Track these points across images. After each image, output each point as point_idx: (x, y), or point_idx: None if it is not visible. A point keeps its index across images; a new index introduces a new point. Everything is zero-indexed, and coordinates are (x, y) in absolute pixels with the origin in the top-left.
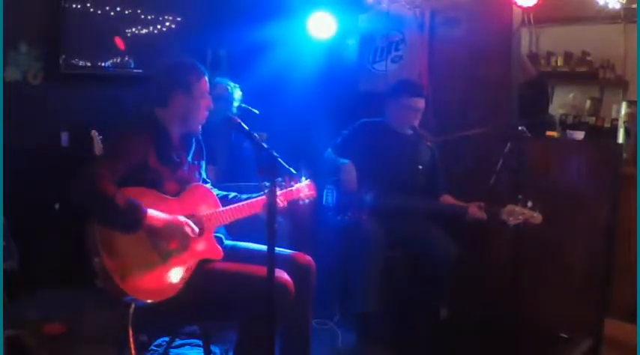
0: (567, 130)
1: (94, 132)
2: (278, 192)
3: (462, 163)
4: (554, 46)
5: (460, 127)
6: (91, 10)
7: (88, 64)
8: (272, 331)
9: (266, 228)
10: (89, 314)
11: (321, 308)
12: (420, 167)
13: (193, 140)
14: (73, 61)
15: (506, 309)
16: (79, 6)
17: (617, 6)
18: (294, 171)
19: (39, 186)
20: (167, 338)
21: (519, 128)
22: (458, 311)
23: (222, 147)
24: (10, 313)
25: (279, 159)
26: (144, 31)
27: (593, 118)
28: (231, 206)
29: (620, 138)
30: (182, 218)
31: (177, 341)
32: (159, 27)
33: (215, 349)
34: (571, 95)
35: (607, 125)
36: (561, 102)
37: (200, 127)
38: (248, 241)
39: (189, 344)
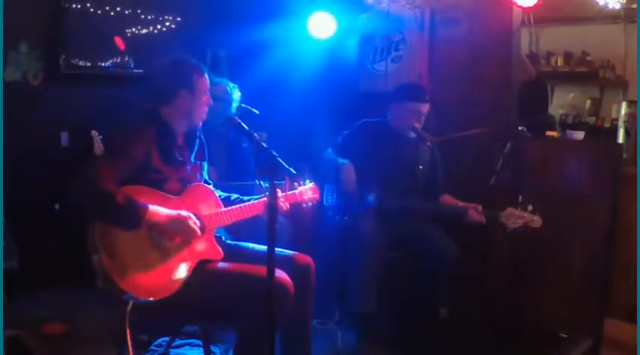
0: (567, 130)
1: (94, 132)
2: (281, 194)
3: (462, 163)
4: (554, 46)
5: (460, 127)
6: (91, 10)
7: (88, 64)
8: (272, 331)
9: (266, 229)
10: (89, 314)
11: (321, 308)
12: (421, 167)
13: (197, 140)
14: (73, 61)
15: (506, 309)
16: (79, 6)
17: (617, 6)
18: (294, 171)
19: (39, 186)
20: (167, 338)
21: (519, 128)
22: (458, 311)
23: (221, 147)
24: (10, 313)
25: (279, 159)
26: (144, 31)
27: (593, 118)
28: (233, 207)
29: (620, 138)
30: (185, 212)
31: (177, 341)
32: (159, 27)
33: (215, 349)
34: (571, 95)
35: (607, 125)
36: (561, 102)
37: (201, 122)
38: (248, 241)
39: (189, 344)
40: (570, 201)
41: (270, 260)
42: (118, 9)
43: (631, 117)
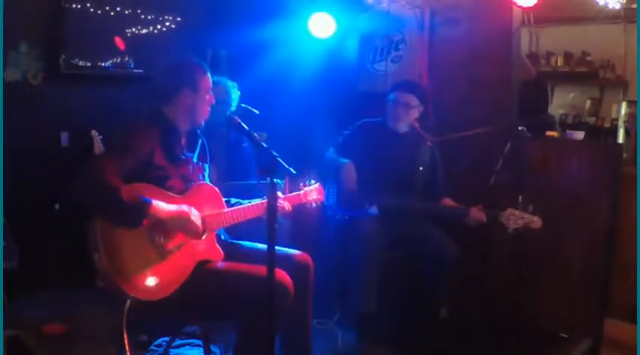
0: (567, 130)
1: (94, 132)
2: (281, 196)
3: (462, 163)
4: (554, 46)
5: (460, 127)
6: (91, 10)
7: (88, 64)
8: (272, 331)
9: (266, 228)
10: (89, 314)
11: (321, 308)
12: (421, 168)
13: (199, 141)
14: (73, 61)
15: (506, 309)
16: (79, 6)
17: (617, 6)
18: (294, 171)
19: (39, 186)
20: (167, 338)
21: (519, 128)
22: (458, 311)
23: (221, 147)
24: (10, 313)
25: (279, 159)
26: (144, 31)
27: (593, 118)
28: (235, 207)
29: (620, 138)
30: (186, 208)
31: (177, 341)
32: (159, 27)
33: (215, 349)
34: (571, 95)
35: (607, 125)
36: (561, 102)
37: (204, 120)
38: (248, 240)
39: (189, 344)
40: (570, 201)
41: (270, 260)
42: (118, 9)
43: (631, 117)
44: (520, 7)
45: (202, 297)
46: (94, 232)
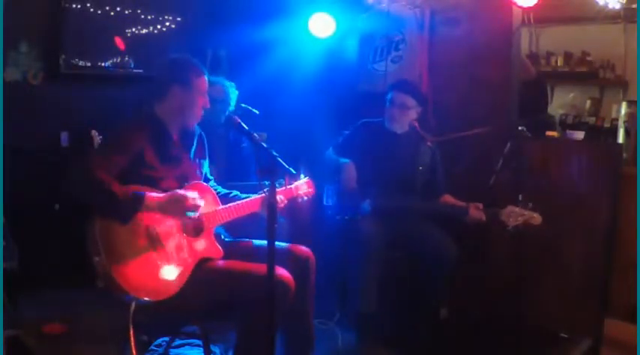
0: (567, 130)
1: (94, 132)
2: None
3: (462, 163)
4: (554, 46)
5: (460, 127)
6: (91, 10)
7: (88, 64)
8: (272, 329)
9: (266, 229)
10: (89, 314)
11: (321, 308)
12: (421, 168)
13: (195, 138)
14: (73, 61)
15: (506, 309)
16: (79, 6)
17: (617, 6)
18: (294, 171)
19: (39, 186)
20: (167, 338)
21: (519, 128)
22: (458, 311)
23: (221, 147)
24: (10, 313)
25: (279, 159)
26: (144, 31)
27: (593, 118)
28: (230, 204)
29: (620, 138)
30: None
31: (177, 341)
32: (159, 27)
33: (215, 349)
34: (571, 95)
35: (607, 125)
36: (561, 102)
37: (195, 124)
38: (247, 238)
39: (189, 344)
40: (570, 201)
41: (271, 259)
42: (118, 9)
43: (631, 117)
44: (520, 7)
45: (203, 296)
46: (94, 234)
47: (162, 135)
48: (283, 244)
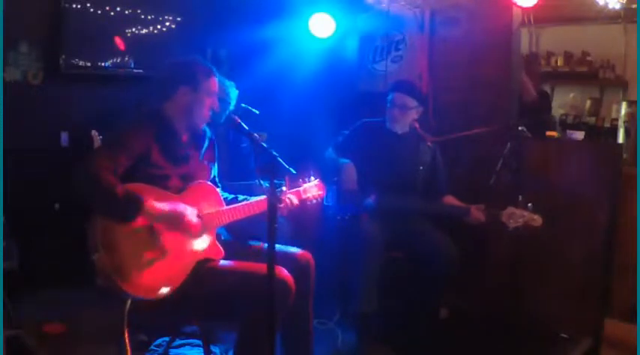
0: (567, 130)
1: (94, 132)
2: (287, 191)
3: (462, 163)
4: (554, 46)
5: (460, 127)
6: (91, 10)
7: (88, 64)
8: (273, 329)
9: (267, 228)
10: (89, 314)
11: (321, 308)
12: (421, 168)
13: (206, 140)
14: (73, 61)
15: (506, 309)
16: (79, 6)
17: (617, 6)
18: (294, 171)
19: (39, 186)
20: (167, 338)
21: (519, 128)
22: (458, 311)
23: (221, 147)
24: (10, 313)
25: (279, 159)
26: (144, 31)
27: (593, 118)
28: (234, 205)
29: (620, 138)
30: (182, 206)
31: (177, 341)
32: (159, 27)
33: (215, 349)
34: (571, 95)
35: (607, 125)
36: (561, 102)
37: (202, 125)
38: (248, 240)
39: (189, 344)
40: (570, 201)
41: (271, 259)
42: (118, 9)
43: (631, 117)
44: (520, 7)
45: (202, 296)
46: (94, 232)
47: (169, 134)
48: (284, 248)
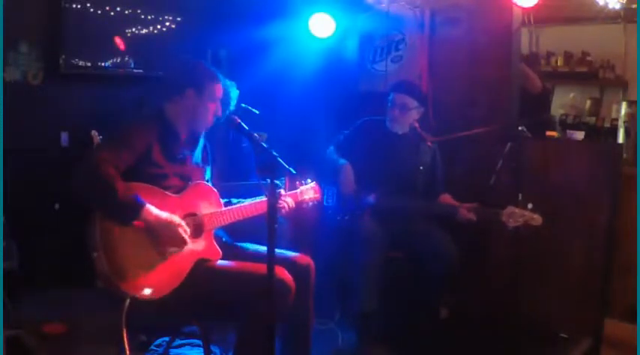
0: (567, 130)
1: (94, 132)
2: (284, 194)
3: (462, 163)
4: (554, 46)
5: (460, 127)
6: (91, 10)
7: (88, 64)
8: (272, 330)
9: (266, 228)
10: (89, 314)
11: (321, 308)
12: (421, 168)
13: (201, 142)
14: (73, 61)
15: (506, 309)
16: (79, 6)
17: (617, 6)
18: (294, 171)
19: (39, 186)
20: (167, 338)
21: (519, 128)
22: (458, 311)
23: (220, 146)
24: (10, 313)
25: (279, 159)
26: (144, 31)
27: (593, 118)
28: (233, 206)
29: (620, 138)
30: (177, 219)
31: (177, 341)
32: (159, 27)
33: (215, 349)
34: (571, 95)
35: (607, 125)
36: (561, 102)
37: (205, 130)
38: (248, 242)
39: (189, 344)
40: (570, 201)
41: (270, 258)
42: (118, 9)
43: (631, 117)
44: (520, 7)
45: (202, 296)
46: (94, 231)
47: (170, 134)
48: (284, 252)
